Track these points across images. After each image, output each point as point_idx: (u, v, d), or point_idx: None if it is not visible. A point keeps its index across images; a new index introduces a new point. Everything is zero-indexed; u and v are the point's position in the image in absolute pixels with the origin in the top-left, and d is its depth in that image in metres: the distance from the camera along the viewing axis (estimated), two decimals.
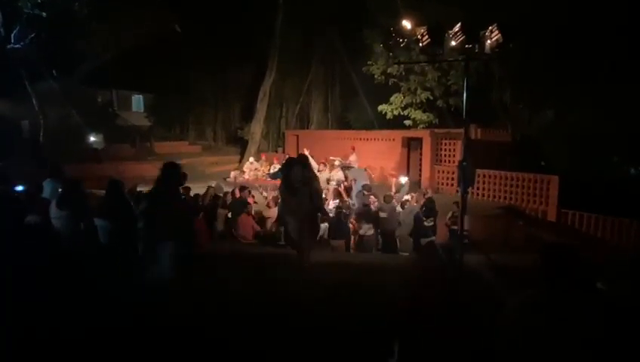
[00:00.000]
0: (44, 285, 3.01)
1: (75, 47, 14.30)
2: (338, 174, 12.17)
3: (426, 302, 1.84)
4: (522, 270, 5.03)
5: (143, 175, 11.53)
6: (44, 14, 12.14)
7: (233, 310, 3.98)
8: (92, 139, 17.08)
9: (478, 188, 12.01)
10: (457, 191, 12.07)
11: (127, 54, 16.66)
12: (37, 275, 3.15)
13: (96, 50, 15.46)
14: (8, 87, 14.54)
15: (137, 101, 26.13)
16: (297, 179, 5.49)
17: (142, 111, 25.26)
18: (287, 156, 13.50)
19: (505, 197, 11.76)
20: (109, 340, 2.92)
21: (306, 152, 9.96)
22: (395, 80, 16.06)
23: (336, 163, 12.95)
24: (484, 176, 12.02)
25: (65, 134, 16.08)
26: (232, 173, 15.00)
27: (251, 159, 15.93)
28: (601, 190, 10.62)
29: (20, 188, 6.47)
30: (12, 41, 12.53)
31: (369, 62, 16.36)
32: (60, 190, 5.41)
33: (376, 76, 16.25)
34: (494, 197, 11.99)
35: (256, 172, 14.62)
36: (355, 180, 10.77)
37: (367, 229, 7.77)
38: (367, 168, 12.50)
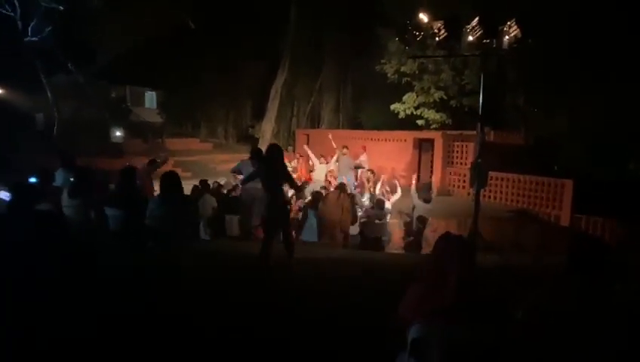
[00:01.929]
0: (54, 270, 3.00)
1: (90, 41, 14.48)
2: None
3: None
4: (535, 271, 4.96)
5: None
6: (61, 8, 12.28)
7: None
8: (117, 133, 17.31)
9: (490, 191, 11.84)
10: (469, 193, 11.96)
11: (140, 50, 16.81)
12: (48, 261, 3.14)
13: (110, 45, 15.63)
14: (24, 79, 14.76)
15: (150, 97, 26.35)
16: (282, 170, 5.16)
17: (154, 107, 25.46)
18: (300, 159, 13.67)
19: (517, 201, 11.58)
20: (117, 327, 2.90)
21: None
22: (409, 79, 15.94)
23: None
24: (496, 178, 11.84)
25: (79, 128, 16.25)
26: None
27: None
28: (616, 194, 10.40)
29: (33, 179, 6.53)
30: (29, 34, 12.70)
31: (382, 61, 16.27)
32: (71, 179, 5.44)
33: (389, 75, 16.15)
34: (506, 200, 11.81)
35: None
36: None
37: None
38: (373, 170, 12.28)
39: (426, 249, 7.36)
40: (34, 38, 12.79)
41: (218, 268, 5.08)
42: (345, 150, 11.85)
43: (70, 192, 5.14)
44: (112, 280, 3.38)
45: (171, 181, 4.13)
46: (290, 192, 8.13)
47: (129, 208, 4.62)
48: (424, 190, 9.14)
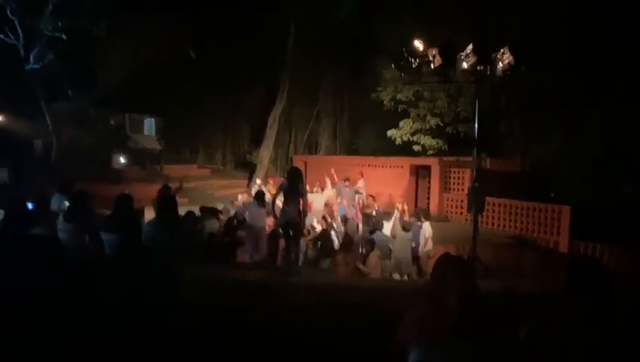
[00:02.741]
0: (46, 294, 2.93)
1: (91, 69, 14.70)
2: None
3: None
4: (536, 296, 4.90)
5: (152, 196, 11.59)
6: (63, 37, 12.52)
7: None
8: (121, 160, 17.39)
9: (487, 217, 11.82)
10: (467, 219, 11.94)
11: (140, 77, 17.05)
12: (40, 285, 3.07)
13: (111, 73, 15.86)
14: (24, 106, 14.88)
15: (149, 124, 26.53)
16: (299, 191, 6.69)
17: (153, 134, 25.62)
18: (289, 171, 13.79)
19: (515, 227, 11.56)
20: (109, 351, 2.82)
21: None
22: (405, 106, 16.19)
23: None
24: (493, 204, 11.84)
25: (77, 154, 16.29)
26: (240, 197, 14.96)
27: (258, 181, 15.93)
28: (612, 219, 10.40)
29: (29, 205, 6.49)
30: (31, 61, 12.89)
31: (379, 89, 16.55)
32: (67, 203, 5.42)
33: (385, 102, 16.41)
34: (504, 226, 11.79)
35: None
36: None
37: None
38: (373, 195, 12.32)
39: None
40: (36, 66, 12.98)
41: (216, 292, 5.00)
42: (347, 182, 11.88)
43: (65, 216, 5.11)
44: (105, 304, 3.31)
45: (167, 204, 4.11)
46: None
47: (125, 232, 4.58)
48: (420, 214, 9.11)
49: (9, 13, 12.22)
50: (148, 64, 16.26)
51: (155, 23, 14.51)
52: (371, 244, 8.13)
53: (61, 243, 4.70)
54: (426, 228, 8.55)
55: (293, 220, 6.78)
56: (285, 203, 6.84)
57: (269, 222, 8.41)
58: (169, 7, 15.11)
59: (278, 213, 6.93)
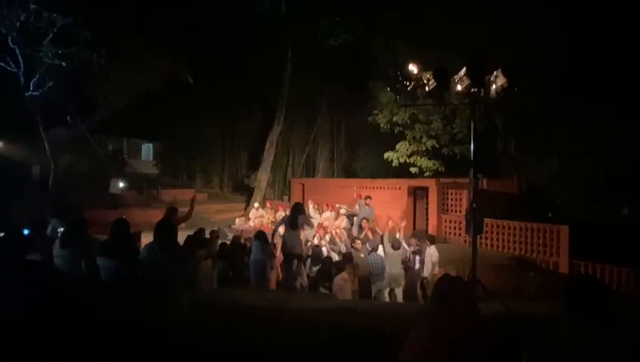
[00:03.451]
0: (41, 320, 2.89)
1: (91, 96, 14.83)
2: (344, 222, 12.10)
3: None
4: (537, 318, 4.81)
5: (149, 221, 11.55)
6: (63, 64, 12.68)
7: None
8: (120, 185, 17.39)
9: (486, 238, 11.78)
10: (466, 241, 11.89)
11: (138, 103, 17.22)
12: (35, 310, 3.04)
13: (110, 99, 16.01)
14: (23, 132, 14.93)
15: (147, 149, 26.70)
16: (301, 222, 7.55)
17: (151, 159, 25.72)
18: (292, 203, 14.06)
19: (514, 248, 11.51)
20: None
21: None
22: (401, 128, 16.35)
23: (342, 211, 12.90)
24: (492, 225, 11.83)
25: (74, 180, 16.28)
26: (237, 221, 14.96)
27: (256, 204, 15.93)
28: (611, 240, 10.39)
29: (26, 231, 6.46)
30: (31, 88, 13.01)
31: (375, 112, 16.75)
32: (61, 229, 5.40)
33: (381, 125, 16.58)
34: (503, 247, 11.74)
35: (261, 219, 14.55)
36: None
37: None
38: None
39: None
40: (35, 93, 13.10)
41: (213, 318, 4.91)
42: (367, 200, 12.42)
43: (62, 242, 5.08)
44: (100, 329, 3.26)
45: (165, 229, 4.09)
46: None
47: (121, 257, 4.54)
48: (419, 236, 9.08)
49: (10, 42, 12.40)
50: (146, 89, 16.45)
51: (154, 48, 14.75)
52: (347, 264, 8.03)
53: (56, 269, 4.67)
54: (432, 252, 8.54)
55: (294, 251, 7.41)
56: (287, 235, 7.51)
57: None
58: (168, 33, 15.37)
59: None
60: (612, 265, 9.44)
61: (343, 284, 7.04)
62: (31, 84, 13.01)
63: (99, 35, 12.82)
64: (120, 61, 14.21)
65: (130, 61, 14.50)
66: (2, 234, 3.66)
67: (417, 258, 8.55)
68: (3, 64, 12.67)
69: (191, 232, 8.71)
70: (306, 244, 8.96)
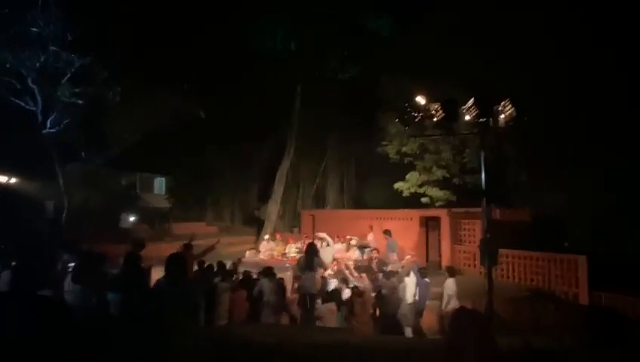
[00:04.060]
0: (52, 356, 2.85)
1: (105, 132, 15.24)
2: (355, 253, 11.92)
3: None
4: (558, 353, 4.61)
5: (160, 255, 11.54)
6: (79, 102, 13.11)
7: None
8: (131, 219, 17.58)
9: (502, 270, 11.48)
10: (481, 272, 11.61)
11: (151, 138, 17.59)
12: (46, 347, 3.00)
13: (123, 135, 16.41)
14: (38, 168, 15.28)
15: (159, 183, 27.02)
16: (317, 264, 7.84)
17: (163, 193, 25.99)
18: (305, 240, 14.03)
19: (532, 279, 11.17)
20: None
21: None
22: (410, 159, 16.37)
23: (353, 242, 12.74)
24: (507, 256, 11.54)
25: (87, 215, 16.47)
26: (247, 253, 14.84)
27: (266, 237, 15.84)
28: (631, 269, 10.05)
29: (38, 267, 6.49)
30: (48, 126, 13.42)
31: (384, 143, 16.83)
32: (71, 264, 5.41)
33: (391, 155, 16.63)
34: (519, 279, 11.41)
35: (271, 251, 14.42)
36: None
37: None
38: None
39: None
40: (52, 130, 13.49)
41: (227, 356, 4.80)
42: (387, 236, 12.08)
43: (73, 278, 5.07)
44: None
45: (175, 263, 4.07)
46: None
47: (132, 292, 4.51)
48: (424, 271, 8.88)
49: (29, 82, 12.90)
50: (159, 125, 16.84)
51: (167, 85, 15.20)
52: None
53: (68, 305, 4.64)
54: (449, 285, 8.27)
55: (312, 291, 7.61)
56: (304, 277, 7.80)
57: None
58: (180, 70, 15.88)
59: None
60: (634, 296, 9.10)
61: (329, 315, 7.35)
62: (48, 121, 13.43)
63: (115, 74, 13.28)
64: (134, 98, 14.64)
65: (144, 98, 14.93)
66: (14, 270, 3.67)
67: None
68: (22, 103, 13.13)
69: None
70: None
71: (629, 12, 11.99)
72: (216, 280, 8.09)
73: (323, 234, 11.80)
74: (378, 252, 10.31)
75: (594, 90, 12.49)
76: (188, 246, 7.96)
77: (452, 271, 8.72)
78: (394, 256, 10.08)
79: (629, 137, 12.47)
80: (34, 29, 12.16)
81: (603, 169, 12.88)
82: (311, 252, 8.18)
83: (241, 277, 8.92)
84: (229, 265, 9.89)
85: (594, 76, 12.48)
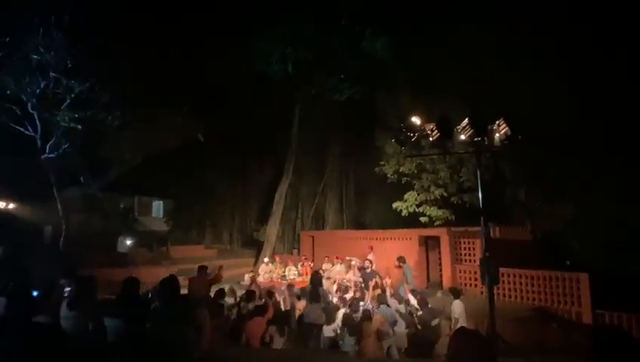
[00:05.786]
0: None
1: (103, 156, 15.29)
2: (355, 275, 11.82)
3: None
4: None
5: (158, 279, 11.42)
6: (79, 127, 13.19)
7: None
8: (127, 243, 17.48)
9: (503, 289, 11.39)
10: (482, 292, 11.49)
11: (150, 162, 17.65)
12: None
13: (122, 159, 16.47)
14: (36, 193, 15.25)
15: (157, 207, 26.97)
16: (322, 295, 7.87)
17: (161, 216, 25.91)
18: (305, 261, 14.01)
19: (534, 298, 11.05)
20: None
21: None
22: (408, 178, 16.44)
23: (353, 263, 12.67)
24: (508, 275, 11.45)
25: (85, 239, 16.38)
26: (246, 276, 14.70)
27: (266, 259, 15.75)
28: (631, 288, 9.95)
29: (35, 293, 6.41)
30: (47, 151, 13.46)
31: (381, 163, 16.93)
32: (70, 290, 5.34)
33: (388, 175, 16.70)
34: (521, 298, 11.29)
35: (270, 274, 14.31)
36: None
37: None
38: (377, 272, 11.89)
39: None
40: (51, 155, 13.53)
41: None
42: (401, 263, 11.35)
43: (69, 304, 5.00)
44: None
45: (171, 287, 4.04)
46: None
47: (131, 317, 4.45)
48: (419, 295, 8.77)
49: (29, 108, 13.01)
50: (158, 148, 16.92)
51: (166, 107, 15.32)
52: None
53: (63, 332, 4.57)
54: (456, 308, 8.14)
55: (318, 322, 7.54)
56: (309, 308, 7.75)
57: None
58: (178, 93, 16.04)
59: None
60: (637, 313, 9.00)
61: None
62: (47, 146, 13.48)
63: (114, 98, 13.42)
64: (133, 121, 14.74)
65: (144, 121, 15.04)
66: (10, 296, 3.64)
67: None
68: (22, 129, 13.22)
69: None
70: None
71: (629, 17, 12.20)
72: (230, 302, 8.29)
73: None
74: (381, 279, 10.02)
75: (592, 105, 12.63)
76: (202, 268, 8.02)
77: (456, 293, 8.56)
78: (407, 289, 9.48)
79: (629, 152, 12.51)
80: (35, 57, 12.34)
81: (603, 184, 12.89)
82: (315, 282, 8.21)
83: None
84: (227, 288, 9.80)
85: (592, 94, 12.64)
